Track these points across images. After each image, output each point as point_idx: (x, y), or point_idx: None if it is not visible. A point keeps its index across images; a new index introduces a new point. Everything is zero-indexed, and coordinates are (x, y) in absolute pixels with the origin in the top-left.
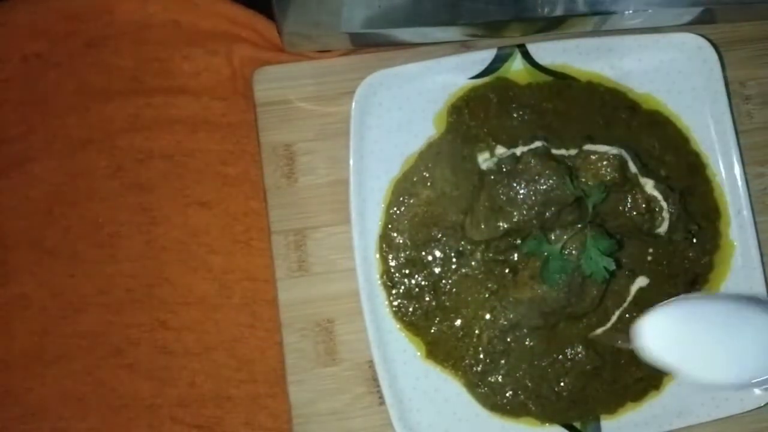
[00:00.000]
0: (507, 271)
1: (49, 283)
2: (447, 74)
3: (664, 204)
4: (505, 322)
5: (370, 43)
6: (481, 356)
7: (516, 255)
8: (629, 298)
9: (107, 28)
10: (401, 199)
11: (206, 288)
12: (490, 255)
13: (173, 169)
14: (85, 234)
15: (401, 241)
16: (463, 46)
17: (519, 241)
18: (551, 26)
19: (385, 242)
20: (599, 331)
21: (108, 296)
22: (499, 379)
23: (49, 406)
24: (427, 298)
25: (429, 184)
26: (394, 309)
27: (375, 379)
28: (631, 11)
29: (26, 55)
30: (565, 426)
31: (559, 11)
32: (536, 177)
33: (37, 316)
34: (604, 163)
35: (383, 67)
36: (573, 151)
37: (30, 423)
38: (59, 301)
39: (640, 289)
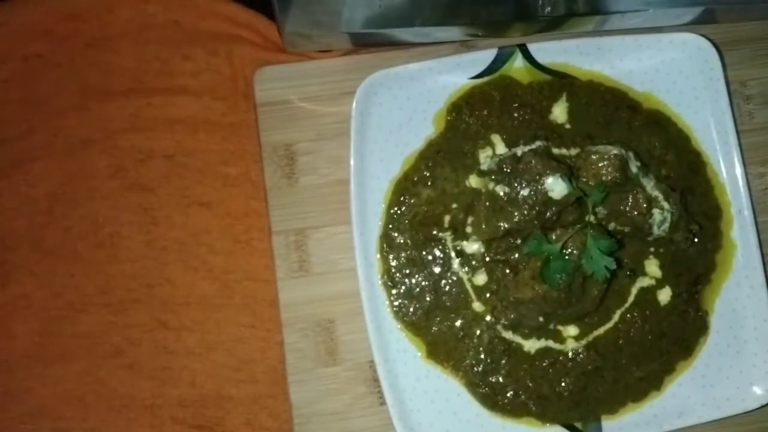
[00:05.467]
0: (508, 271)
1: (50, 283)
2: (448, 74)
3: (665, 204)
4: (506, 322)
5: (371, 43)
6: (482, 356)
7: (517, 255)
8: (631, 299)
9: (108, 28)
10: (402, 198)
11: (207, 288)
12: (491, 255)
13: (174, 169)
14: (85, 234)
15: (402, 241)
16: (463, 46)
17: (519, 241)
18: (552, 26)
19: (386, 242)
20: (602, 330)
21: (108, 296)
22: (500, 379)
23: (49, 405)
24: (428, 298)
25: (429, 183)
26: (394, 309)
27: (375, 380)
28: (632, 11)
29: (27, 55)
30: (565, 426)
31: (560, 11)
32: (537, 177)
33: (37, 316)
34: (605, 163)
35: (383, 67)
36: (574, 151)
37: (30, 422)
38: (60, 301)
39: (642, 289)
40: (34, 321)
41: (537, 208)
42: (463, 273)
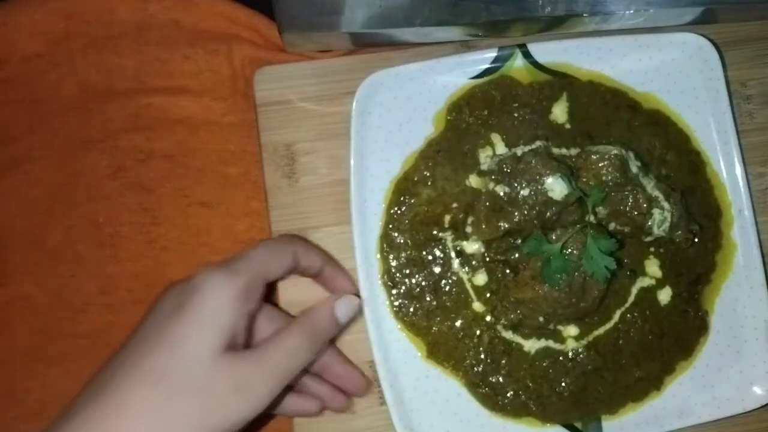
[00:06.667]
0: (508, 271)
1: (50, 283)
2: (448, 74)
3: (665, 204)
4: (506, 322)
5: (371, 43)
6: (482, 356)
7: (517, 255)
8: (631, 299)
9: (108, 28)
10: (402, 198)
11: None
12: (491, 255)
13: (174, 169)
14: (85, 234)
15: (402, 241)
16: (464, 46)
17: (519, 241)
18: (552, 26)
19: (386, 242)
20: (602, 330)
21: (109, 296)
22: (500, 379)
23: (49, 405)
24: (428, 298)
25: (430, 183)
26: (395, 309)
27: (375, 380)
28: (632, 11)
29: (27, 55)
30: (566, 426)
31: (560, 11)
32: (537, 177)
33: (37, 316)
34: (605, 163)
35: (383, 67)
36: (574, 151)
37: (31, 423)
38: (60, 301)
39: (642, 289)
40: (34, 321)
41: (537, 208)
42: (463, 273)
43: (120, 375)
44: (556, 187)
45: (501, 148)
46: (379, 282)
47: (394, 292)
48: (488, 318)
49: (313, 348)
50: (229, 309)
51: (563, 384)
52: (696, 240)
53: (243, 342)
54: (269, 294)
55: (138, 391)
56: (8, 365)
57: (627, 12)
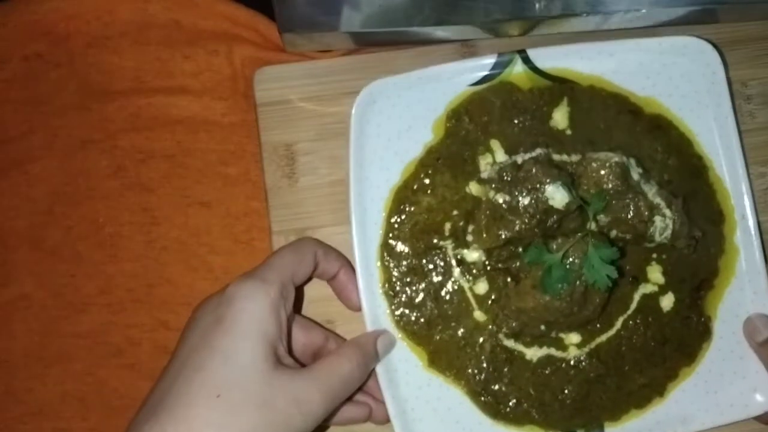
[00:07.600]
0: (509, 279)
1: (50, 283)
2: (447, 81)
3: (667, 211)
4: (508, 331)
5: (371, 43)
6: (484, 365)
7: (518, 263)
8: (633, 305)
9: (108, 28)
10: (402, 207)
11: (207, 288)
12: (492, 263)
13: (174, 169)
14: (85, 234)
15: (402, 250)
16: (464, 46)
17: (521, 250)
18: (552, 26)
19: (387, 251)
20: (604, 338)
21: (109, 296)
22: (502, 387)
23: (49, 405)
24: (429, 307)
25: (429, 191)
26: (396, 318)
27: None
28: (631, 10)
29: (27, 55)
30: None
31: (556, 9)
32: (538, 185)
33: (37, 316)
34: (606, 170)
35: (383, 67)
36: (575, 158)
37: (31, 423)
38: (60, 301)
39: (644, 296)
40: (34, 321)
41: (538, 216)
42: (464, 282)
43: (177, 390)
44: (556, 195)
45: (501, 156)
46: (380, 291)
47: (395, 301)
48: (490, 326)
49: (363, 377)
50: (267, 317)
51: (566, 392)
52: (698, 247)
53: (286, 351)
54: (296, 301)
55: (199, 406)
56: (8, 365)
57: (627, 11)
